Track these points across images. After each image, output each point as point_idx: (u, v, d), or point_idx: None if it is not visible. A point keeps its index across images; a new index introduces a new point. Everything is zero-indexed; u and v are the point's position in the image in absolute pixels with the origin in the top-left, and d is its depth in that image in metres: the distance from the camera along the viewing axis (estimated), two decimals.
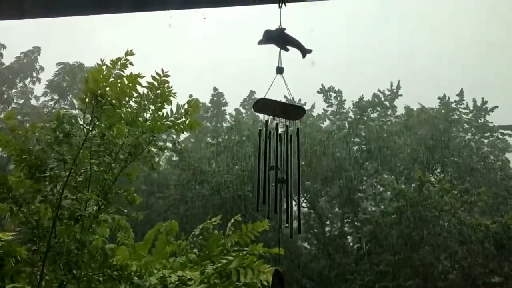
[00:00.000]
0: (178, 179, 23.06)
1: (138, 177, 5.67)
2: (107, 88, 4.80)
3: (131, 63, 4.91)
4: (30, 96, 28.17)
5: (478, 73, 28.97)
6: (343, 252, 22.44)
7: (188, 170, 22.50)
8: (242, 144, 23.12)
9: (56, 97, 27.35)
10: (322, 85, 25.20)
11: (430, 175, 21.20)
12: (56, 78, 27.27)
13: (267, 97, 3.07)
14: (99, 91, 4.74)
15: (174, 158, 23.41)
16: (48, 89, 27.39)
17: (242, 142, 23.19)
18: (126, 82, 4.90)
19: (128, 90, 4.91)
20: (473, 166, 22.37)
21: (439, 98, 24.33)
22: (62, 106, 26.55)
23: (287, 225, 3.08)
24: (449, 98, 24.16)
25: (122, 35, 29.65)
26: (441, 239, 19.47)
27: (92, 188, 4.95)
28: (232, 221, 6.03)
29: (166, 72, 5.06)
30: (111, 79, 4.85)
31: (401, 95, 24.65)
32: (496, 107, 23.66)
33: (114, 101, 4.76)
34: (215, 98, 27.77)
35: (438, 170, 23.96)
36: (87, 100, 4.88)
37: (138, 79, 4.94)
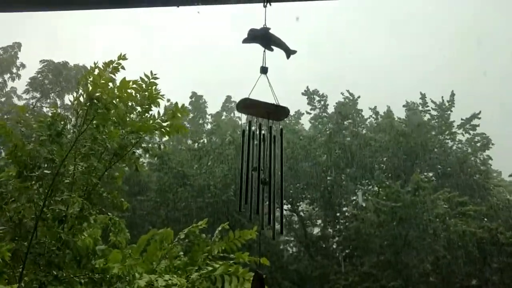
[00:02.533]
0: (159, 182, 22.92)
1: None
2: (104, 93, 4.78)
3: (122, 67, 4.91)
4: (12, 95, 27.61)
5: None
6: (325, 254, 22.57)
7: (170, 173, 22.40)
8: (224, 147, 23.11)
9: (38, 95, 26.80)
10: (307, 87, 25.25)
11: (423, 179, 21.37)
12: (39, 76, 26.72)
13: (251, 97, 3.05)
14: (96, 94, 4.71)
15: (154, 161, 23.20)
16: (30, 87, 26.81)
17: (225, 145, 23.18)
18: (120, 87, 4.88)
19: (120, 95, 4.90)
20: (451, 170, 22.73)
21: (404, 106, 24.70)
22: (43, 105, 26.07)
23: (269, 227, 3.06)
24: (414, 103, 24.50)
25: (103, 33, 29.55)
26: (426, 243, 19.74)
27: (76, 189, 4.89)
28: (220, 228, 6.01)
29: (155, 74, 5.04)
30: (109, 84, 4.85)
31: (359, 97, 24.89)
32: (453, 92, 23.79)
33: (109, 105, 4.74)
34: (193, 99, 27.68)
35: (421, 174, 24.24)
36: (82, 101, 4.85)
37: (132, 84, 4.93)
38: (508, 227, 19.62)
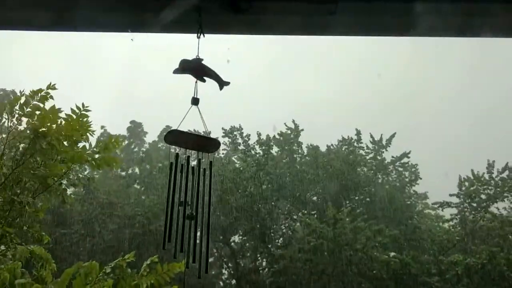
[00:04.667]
0: (85, 212, 21.98)
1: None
2: (51, 128, 4.56)
3: (51, 97, 4.73)
4: None
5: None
6: None
7: (96, 202, 21.62)
8: (154, 176, 22.67)
9: None
10: (222, 128, 24.48)
11: (341, 211, 21.78)
12: None
13: (180, 128, 2.98)
14: (42, 129, 4.49)
15: (80, 191, 22.22)
16: None
17: (155, 174, 22.76)
18: (50, 116, 4.67)
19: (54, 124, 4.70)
20: (381, 204, 23.37)
21: (339, 140, 25.10)
22: None
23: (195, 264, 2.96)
24: (350, 138, 24.98)
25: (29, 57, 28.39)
26: (351, 275, 20.06)
27: None
28: (149, 262, 5.82)
29: (86, 106, 4.86)
30: (37, 112, 4.62)
31: (302, 130, 24.96)
32: (394, 134, 24.39)
33: (53, 142, 4.50)
34: (133, 126, 27.09)
35: (348, 207, 24.71)
36: (22, 132, 4.61)
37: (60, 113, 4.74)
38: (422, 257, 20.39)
